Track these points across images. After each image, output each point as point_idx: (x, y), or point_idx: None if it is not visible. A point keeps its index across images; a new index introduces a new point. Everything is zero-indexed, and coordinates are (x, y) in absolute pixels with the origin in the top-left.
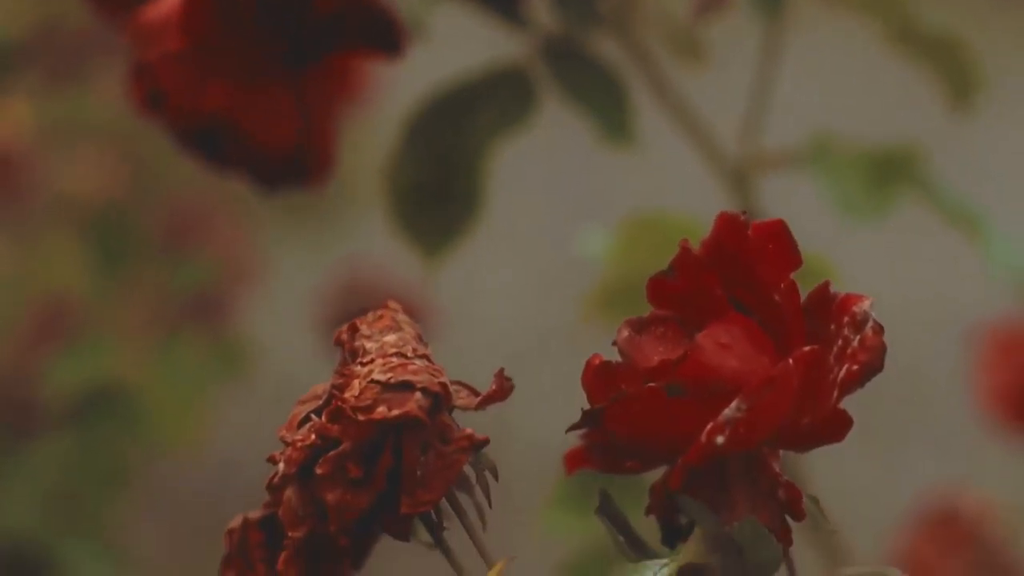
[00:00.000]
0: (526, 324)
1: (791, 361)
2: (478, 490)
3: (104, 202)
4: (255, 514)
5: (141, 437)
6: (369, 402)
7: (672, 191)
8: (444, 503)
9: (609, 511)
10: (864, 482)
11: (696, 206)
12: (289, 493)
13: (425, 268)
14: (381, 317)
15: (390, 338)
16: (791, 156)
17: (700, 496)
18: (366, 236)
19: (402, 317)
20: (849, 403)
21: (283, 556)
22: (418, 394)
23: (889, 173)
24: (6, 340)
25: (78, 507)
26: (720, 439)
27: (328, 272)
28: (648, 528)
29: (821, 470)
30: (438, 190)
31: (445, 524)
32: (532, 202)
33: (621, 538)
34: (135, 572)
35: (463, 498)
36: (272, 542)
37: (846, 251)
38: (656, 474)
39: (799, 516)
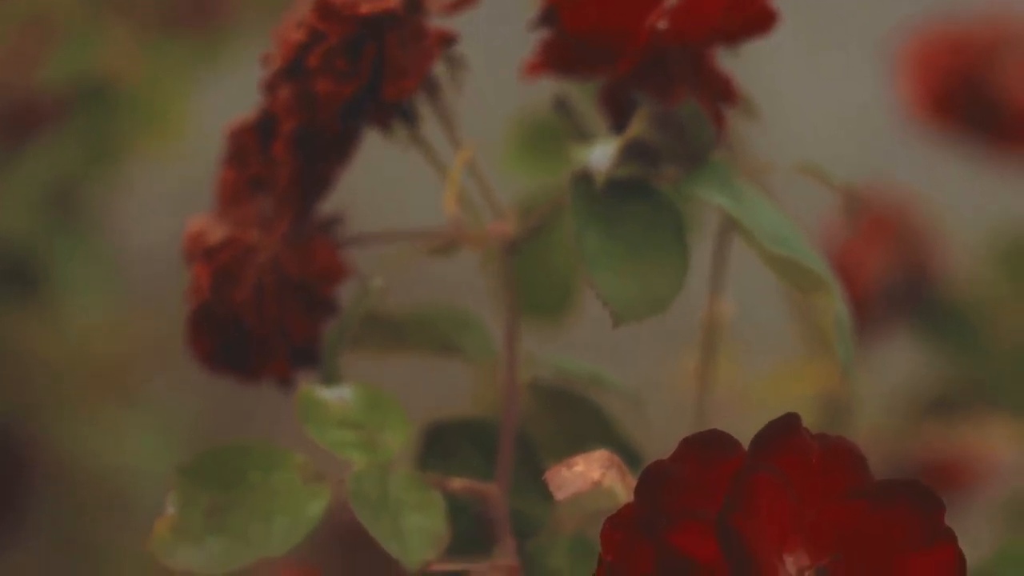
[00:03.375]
0: None
1: None
2: (450, 88)
3: None
4: (250, 117)
5: (131, 132)
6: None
7: None
8: (421, 99)
9: (564, 107)
10: None
11: None
12: (283, 90)
13: None
14: None
15: None
16: None
17: (645, 89)
18: None
19: None
20: None
21: (276, 145)
22: None
23: None
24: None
25: (71, 207)
26: (662, 24)
27: None
28: None
29: None
30: None
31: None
32: None
33: (575, 129)
34: (126, 267)
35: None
36: (265, 143)
37: None
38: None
39: (733, 102)
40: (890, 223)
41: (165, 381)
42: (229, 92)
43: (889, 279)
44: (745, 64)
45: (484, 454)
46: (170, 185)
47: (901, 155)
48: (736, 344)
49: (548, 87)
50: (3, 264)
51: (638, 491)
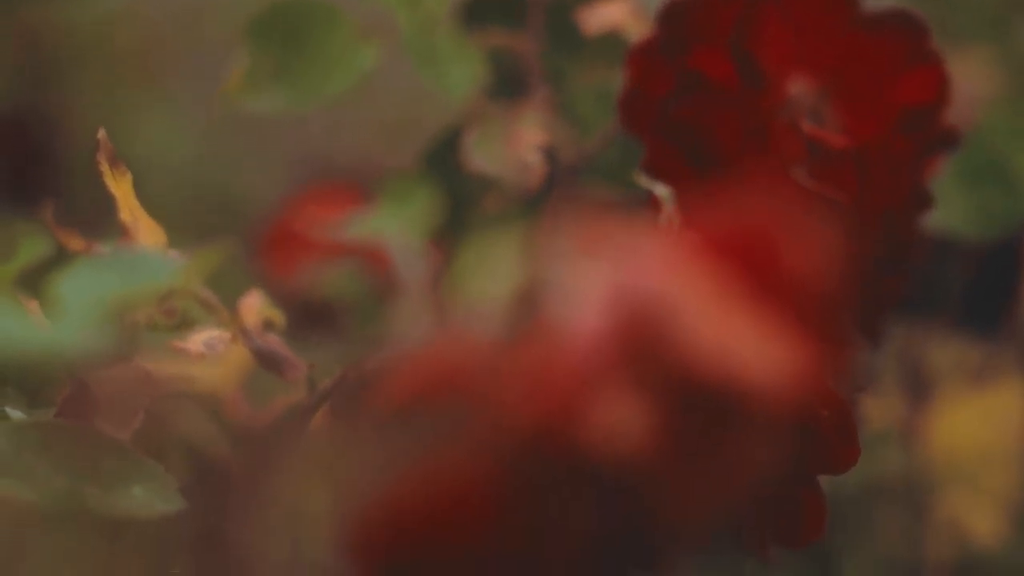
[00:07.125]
0: None
1: None
2: None
3: None
4: None
5: None
6: None
7: None
8: None
9: None
10: None
11: None
12: None
13: None
14: None
15: None
16: None
17: None
18: None
19: None
20: None
21: None
22: None
23: None
24: None
25: None
26: None
27: None
28: None
29: None
30: None
31: None
32: None
33: None
34: None
35: None
36: None
37: None
38: None
39: None
40: None
41: (186, 71)
42: None
43: None
44: None
45: (518, 21)
46: None
47: None
48: None
49: None
50: None
51: (659, 20)
